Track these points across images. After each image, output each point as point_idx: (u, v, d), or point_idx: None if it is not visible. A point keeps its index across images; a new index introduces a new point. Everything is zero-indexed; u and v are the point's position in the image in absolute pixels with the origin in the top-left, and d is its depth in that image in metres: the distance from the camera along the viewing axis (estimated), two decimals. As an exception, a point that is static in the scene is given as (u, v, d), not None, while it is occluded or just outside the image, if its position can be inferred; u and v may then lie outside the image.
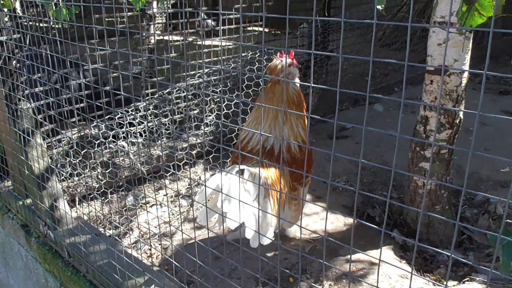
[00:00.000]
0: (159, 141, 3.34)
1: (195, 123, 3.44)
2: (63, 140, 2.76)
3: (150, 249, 2.55)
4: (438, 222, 2.56)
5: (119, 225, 2.71)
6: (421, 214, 0.85)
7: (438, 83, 2.35)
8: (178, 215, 2.86)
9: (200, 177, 3.32)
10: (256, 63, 3.44)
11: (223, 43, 3.70)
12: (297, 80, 2.33)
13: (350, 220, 2.71)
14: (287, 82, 2.24)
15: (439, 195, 2.53)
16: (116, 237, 2.60)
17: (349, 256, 2.35)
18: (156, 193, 3.13)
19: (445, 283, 2.16)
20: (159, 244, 2.59)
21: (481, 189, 3.03)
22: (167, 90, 3.22)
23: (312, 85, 0.92)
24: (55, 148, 2.75)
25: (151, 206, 2.96)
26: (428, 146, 2.46)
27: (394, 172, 2.89)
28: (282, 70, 2.19)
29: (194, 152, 3.39)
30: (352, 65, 5.12)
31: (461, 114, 2.40)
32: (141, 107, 3.12)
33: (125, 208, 2.86)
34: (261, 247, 2.46)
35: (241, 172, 1.87)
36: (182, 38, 3.77)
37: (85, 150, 2.68)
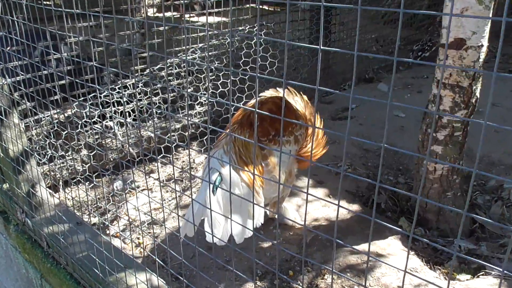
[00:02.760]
0: (150, 122, 3.13)
1: (188, 103, 3.23)
2: (43, 120, 2.54)
3: (138, 238, 2.36)
4: (449, 209, 2.37)
5: (105, 212, 2.52)
6: (455, 206, 0.65)
7: (453, 58, 2.13)
8: (169, 201, 2.67)
9: (194, 160, 3.13)
10: (254, 38, 3.21)
11: (218, 19, 3.46)
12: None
13: (354, 207, 2.53)
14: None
15: (451, 180, 2.33)
16: (102, 225, 2.41)
17: (354, 247, 2.17)
18: (147, 177, 2.93)
19: (457, 276, 1.97)
20: (148, 233, 2.40)
21: (493, 173, 2.84)
22: (158, 66, 2.99)
23: (321, 47, 0.71)
24: (35, 129, 2.54)
25: (141, 191, 2.76)
26: (440, 128, 2.25)
27: (400, 157, 2.66)
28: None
29: (187, 134, 3.18)
30: (354, 43, 4.88)
31: (477, 93, 2.19)
32: (129, 85, 2.90)
33: (112, 194, 2.67)
34: (257, 237, 2.28)
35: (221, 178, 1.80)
36: (179, 13, 3.53)
37: (67, 131, 2.47)
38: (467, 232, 2.39)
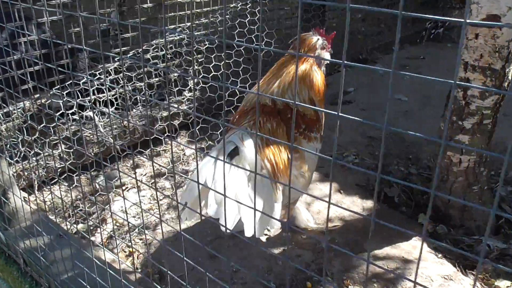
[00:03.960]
0: (134, 110, 2.81)
1: (177, 88, 2.91)
2: (14, 113, 2.20)
3: (128, 246, 2.07)
4: (474, 205, 2.16)
5: (87, 217, 2.21)
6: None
7: (485, 37, 1.89)
8: (160, 200, 2.38)
9: (184, 152, 2.83)
10: (248, 16, 2.90)
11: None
12: (323, 68, 1.94)
13: (368, 204, 2.29)
14: (310, 67, 1.87)
15: (478, 173, 2.12)
16: (87, 234, 2.10)
17: (376, 251, 1.94)
18: (133, 173, 2.62)
19: (495, 283, 1.75)
20: (140, 239, 2.11)
21: (510, 162, 2.64)
22: (142, 48, 2.66)
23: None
24: (4, 124, 2.19)
25: (127, 190, 2.46)
26: (468, 116, 2.02)
27: (409, 145, 2.40)
28: (313, 48, 1.86)
29: (176, 123, 2.88)
30: (343, 23, 4.63)
31: (510, 76, 1.96)
32: (111, 69, 2.56)
33: (97, 194, 2.35)
34: (266, 241, 2.03)
35: (232, 156, 1.56)
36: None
37: (41, 125, 2.13)
38: (492, 228, 2.19)
